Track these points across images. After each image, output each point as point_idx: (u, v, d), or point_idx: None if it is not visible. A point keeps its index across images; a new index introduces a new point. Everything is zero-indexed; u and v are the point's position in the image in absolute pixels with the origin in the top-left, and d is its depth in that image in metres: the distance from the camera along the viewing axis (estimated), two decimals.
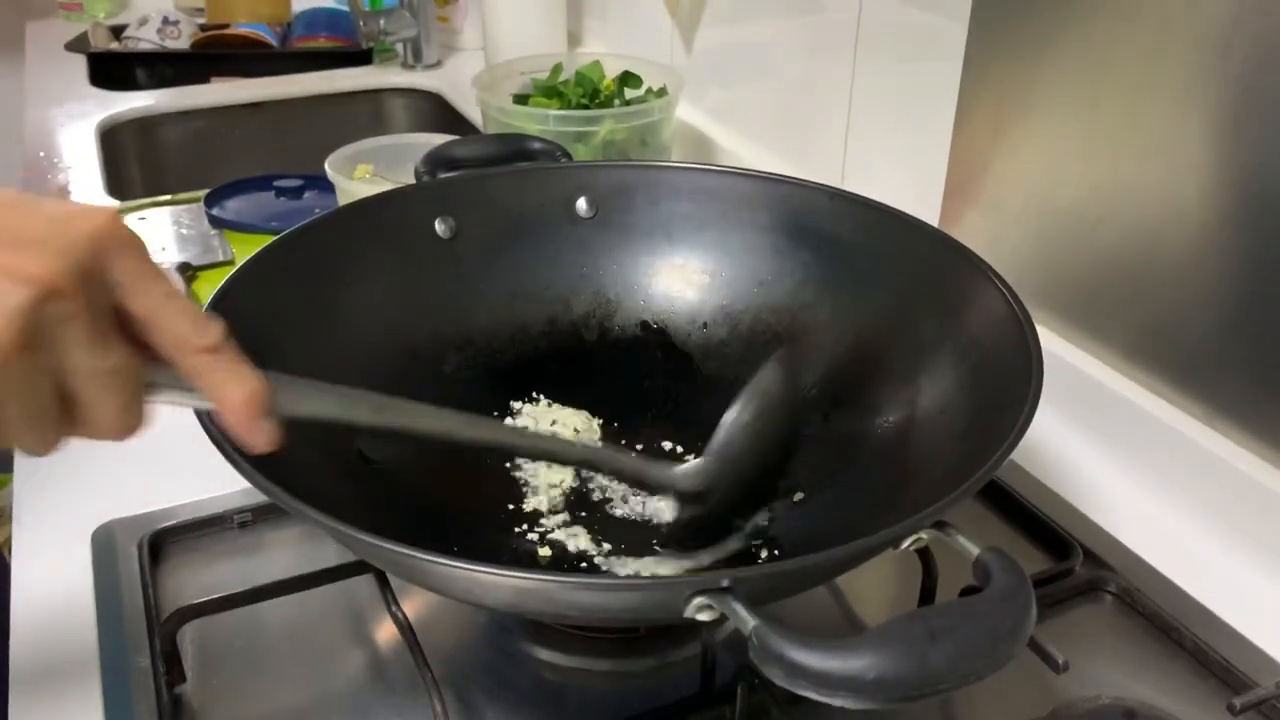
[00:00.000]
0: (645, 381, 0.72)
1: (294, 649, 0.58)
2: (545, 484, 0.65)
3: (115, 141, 1.38)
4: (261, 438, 0.43)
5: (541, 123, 1.02)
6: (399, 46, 1.56)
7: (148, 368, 0.41)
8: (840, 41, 0.95)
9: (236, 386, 0.42)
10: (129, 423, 0.40)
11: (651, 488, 0.60)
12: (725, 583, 0.41)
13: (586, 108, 1.08)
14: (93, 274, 0.37)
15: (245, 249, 0.93)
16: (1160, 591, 0.60)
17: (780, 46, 1.07)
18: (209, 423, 0.47)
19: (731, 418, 0.59)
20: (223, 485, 0.66)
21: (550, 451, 0.58)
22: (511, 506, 0.64)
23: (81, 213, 0.38)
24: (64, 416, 0.39)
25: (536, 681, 0.56)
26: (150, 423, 0.41)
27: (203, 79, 1.58)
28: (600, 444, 0.65)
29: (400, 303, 0.69)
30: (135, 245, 0.39)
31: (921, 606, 0.57)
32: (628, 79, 1.12)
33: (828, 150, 1.00)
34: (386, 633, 0.58)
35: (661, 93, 1.10)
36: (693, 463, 0.60)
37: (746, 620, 0.39)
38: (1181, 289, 0.67)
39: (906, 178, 0.91)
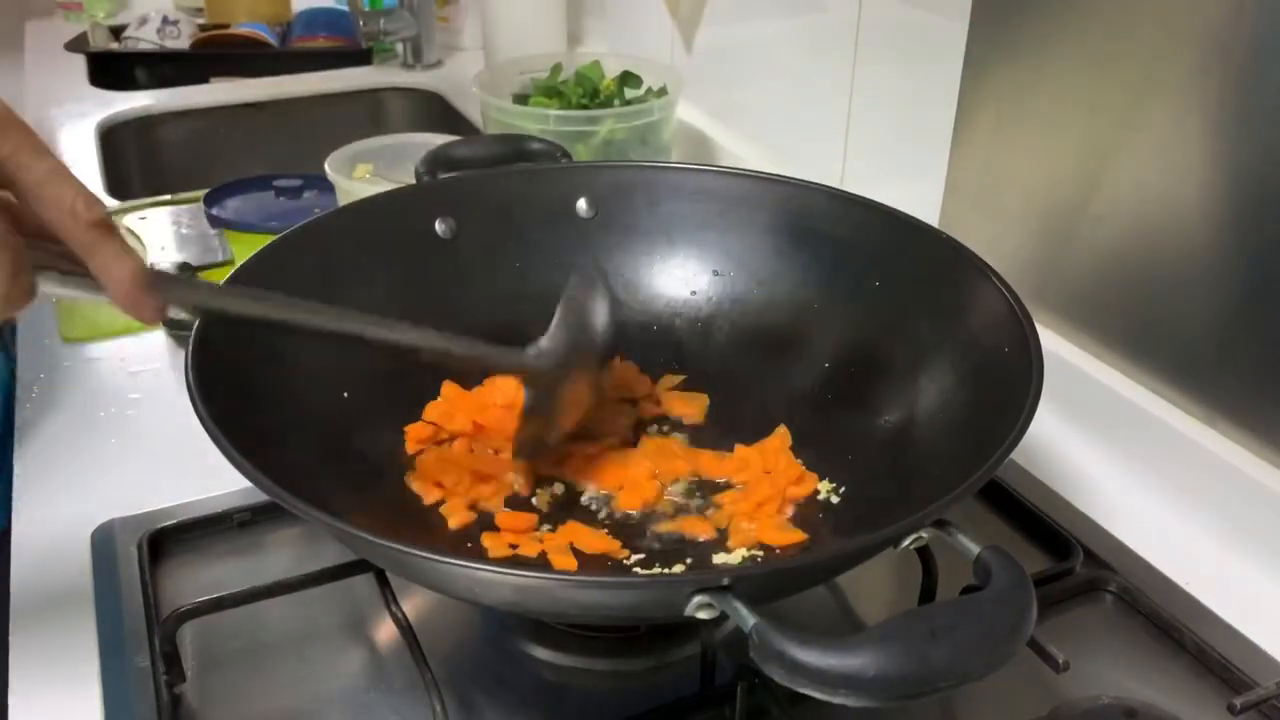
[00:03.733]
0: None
1: (294, 649, 0.58)
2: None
3: (115, 141, 1.38)
4: (149, 311, 0.45)
5: (541, 123, 1.02)
6: (399, 46, 1.56)
7: (33, 249, 0.42)
8: (840, 41, 0.95)
9: (122, 264, 0.43)
10: (13, 294, 0.41)
11: (506, 370, 0.62)
12: (725, 581, 0.41)
13: (586, 108, 1.08)
14: None
15: (245, 249, 0.93)
16: (1160, 591, 0.60)
17: (780, 46, 1.07)
18: (209, 423, 0.47)
19: (558, 319, 0.62)
20: (223, 485, 0.66)
21: (398, 341, 0.56)
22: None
23: None
24: None
25: (536, 681, 0.56)
26: (37, 298, 0.43)
27: (202, 79, 1.58)
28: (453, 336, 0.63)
29: (400, 303, 0.68)
30: (19, 124, 0.40)
31: (922, 605, 0.57)
32: (628, 79, 1.12)
33: (828, 150, 1.00)
34: (386, 633, 0.58)
35: (661, 92, 1.10)
36: (540, 343, 0.61)
37: (747, 619, 0.39)
38: (1182, 288, 0.67)
39: (906, 177, 0.91)
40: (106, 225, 0.43)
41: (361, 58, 1.60)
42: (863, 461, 0.63)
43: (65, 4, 1.83)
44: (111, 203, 1.13)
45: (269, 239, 0.64)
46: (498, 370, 0.64)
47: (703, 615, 0.41)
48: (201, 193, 1.10)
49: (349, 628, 0.59)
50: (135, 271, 0.44)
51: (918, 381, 0.62)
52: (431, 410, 0.67)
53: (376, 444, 0.64)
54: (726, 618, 0.41)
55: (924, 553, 0.58)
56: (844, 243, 0.69)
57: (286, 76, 1.54)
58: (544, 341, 0.62)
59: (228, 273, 0.61)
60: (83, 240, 0.42)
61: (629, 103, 1.10)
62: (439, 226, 0.71)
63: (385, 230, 0.70)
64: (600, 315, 0.65)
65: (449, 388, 0.68)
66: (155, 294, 0.45)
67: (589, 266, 0.67)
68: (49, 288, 0.44)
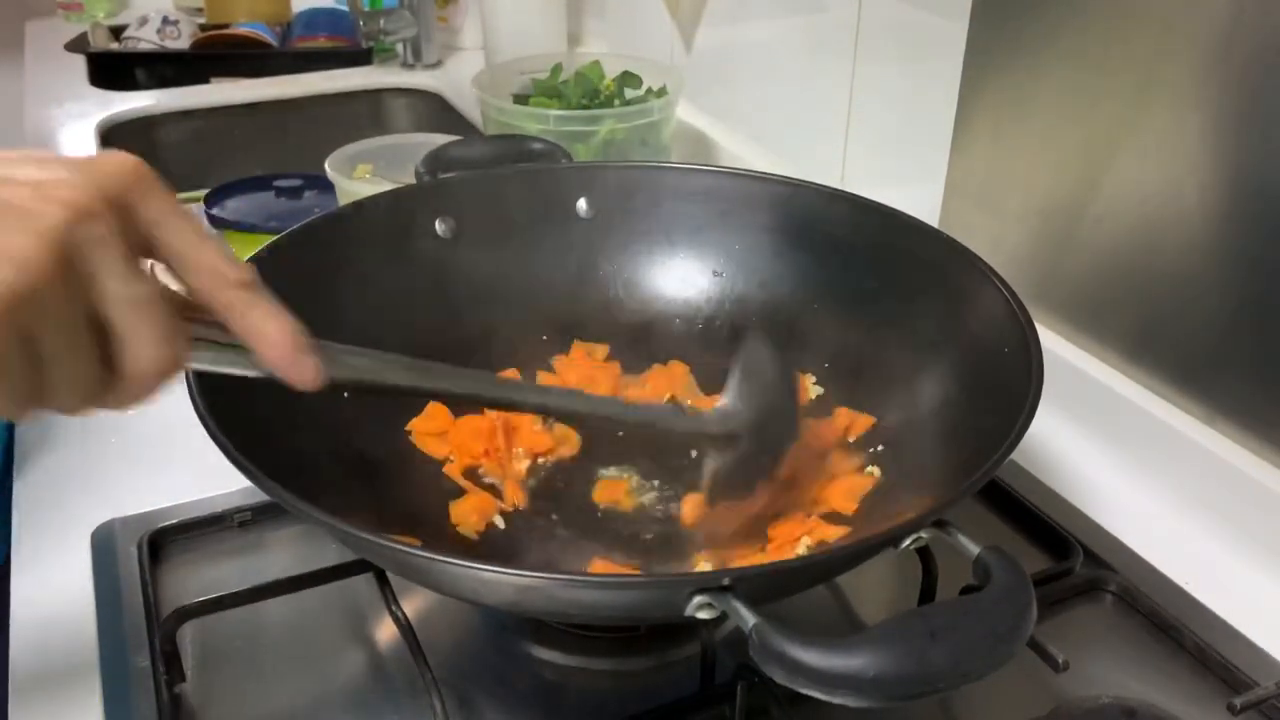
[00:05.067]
0: (646, 384, 0.72)
1: (294, 649, 0.58)
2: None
3: (115, 142, 1.37)
4: (309, 372, 0.42)
5: (542, 123, 1.02)
6: (399, 46, 1.56)
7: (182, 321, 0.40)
8: (840, 41, 0.95)
9: (275, 322, 0.41)
10: (166, 358, 0.39)
11: (679, 437, 0.60)
12: (726, 581, 0.41)
13: (586, 108, 1.08)
14: (123, 205, 0.37)
15: (245, 249, 0.93)
16: (1160, 591, 0.60)
17: (780, 46, 1.07)
18: (209, 422, 0.47)
19: (735, 380, 0.60)
20: (223, 485, 0.66)
21: (570, 410, 0.57)
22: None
23: (108, 154, 0.38)
24: (101, 354, 0.38)
25: (536, 681, 0.56)
26: (181, 371, 0.40)
27: (202, 79, 1.58)
28: (625, 400, 0.65)
29: (400, 303, 0.69)
30: (162, 186, 0.39)
31: (922, 605, 0.57)
32: (628, 79, 1.12)
33: (828, 150, 1.00)
34: (386, 633, 0.58)
35: (661, 93, 1.10)
36: (721, 405, 0.60)
37: (747, 619, 0.39)
38: (1181, 289, 0.67)
39: (906, 178, 0.91)
40: (255, 286, 0.40)
41: (361, 58, 1.60)
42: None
43: (65, 4, 1.83)
44: None
45: (269, 239, 0.64)
46: (675, 433, 0.60)
47: (703, 615, 0.41)
48: (201, 193, 1.10)
49: (349, 628, 0.59)
50: (291, 330, 0.41)
51: (918, 381, 0.62)
52: (418, 424, 0.66)
53: (377, 444, 0.63)
54: (727, 617, 0.41)
55: (924, 553, 0.57)
56: (844, 243, 0.69)
57: (286, 76, 1.54)
58: (726, 401, 0.60)
59: None
60: (230, 300, 0.40)
61: (629, 103, 1.10)
62: (439, 226, 0.71)
63: (385, 230, 0.70)
64: (779, 377, 0.61)
65: (435, 409, 0.66)
66: (315, 355, 0.42)
67: (759, 338, 0.63)
68: (200, 361, 0.41)
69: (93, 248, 0.36)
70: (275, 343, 0.41)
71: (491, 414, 0.67)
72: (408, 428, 0.66)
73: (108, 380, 0.38)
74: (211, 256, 0.39)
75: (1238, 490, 0.64)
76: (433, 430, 0.65)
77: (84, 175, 0.36)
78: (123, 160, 0.38)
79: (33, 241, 0.34)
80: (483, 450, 0.65)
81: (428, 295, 0.70)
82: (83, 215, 0.35)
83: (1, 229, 0.34)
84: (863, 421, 0.65)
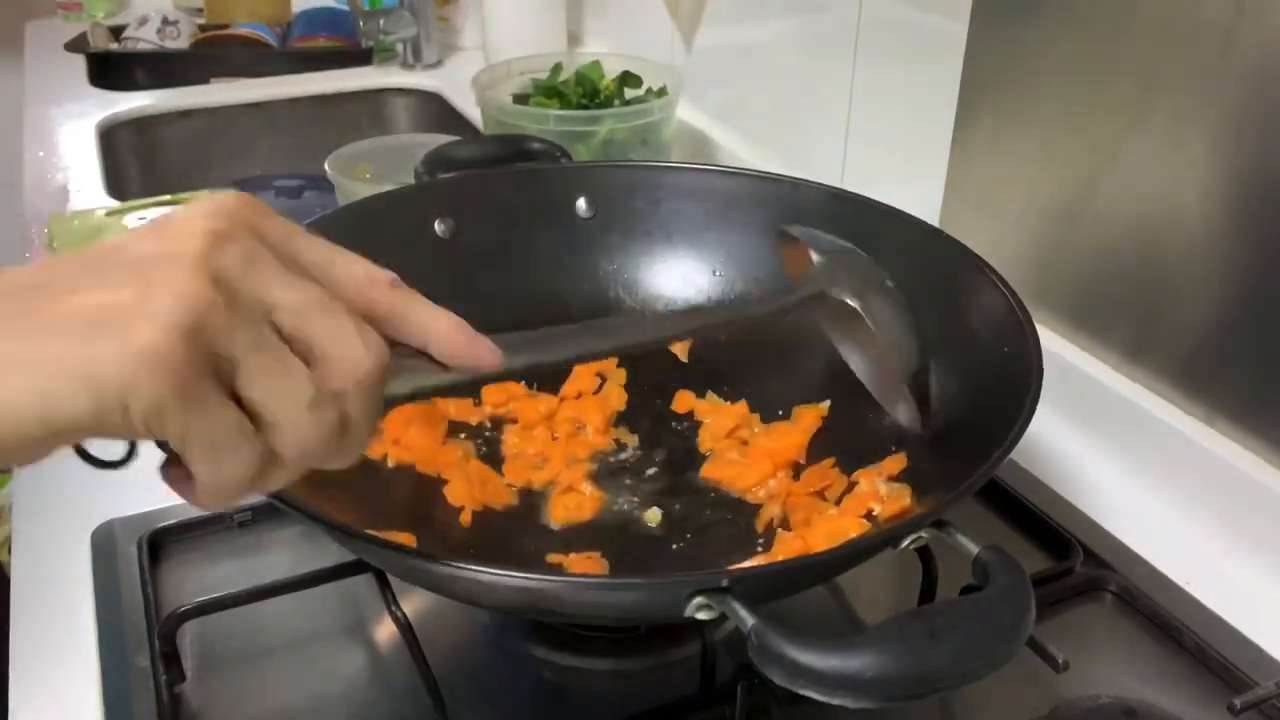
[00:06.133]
0: (645, 384, 0.72)
1: (294, 649, 0.58)
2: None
3: (115, 141, 1.38)
4: (488, 354, 0.40)
5: (541, 123, 1.02)
6: (399, 46, 1.56)
7: None
8: (840, 41, 0.95)
9: (441, 315, 0.39)
10: (375, 354, 0.35)
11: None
12: (725, 582, 0.41)
13: (586, 108, 1.08)
14: (252, 225, 0.35)
15: None
16: (1160, 591, 0.60)
17: (780, 46, 1.07)
18: None
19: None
20: None
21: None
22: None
23: (211, 194, 0.37)
24: (304, 362, 0.35)
25: (536, 681, 0.56)
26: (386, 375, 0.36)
27: (202, 79, 1.58)
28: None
29: None
30: (272, 211, 0.37)
31: (921, 605, 0.57)
32: (628, 79, 1.12)
33: (828, 150, 1.00)
34: (386, 633, 0.58)
35: (661, 93, 1.10)
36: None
37: (746, 619, 0.39)
38: (1181, 289, 0.67)
39: (906, 177, 0.91)
40: (404, 286, 0.39)
41: (361, 58, 1.60)
42: (862, 462, 0.63)
43: (65, 4, 1.83)
44: (111, 203, 1.13)
45: None
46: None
47: (702, 616, 0.41)
48: (201, 193, 1.10)
49: (349, 628, 0.59)
50: (458, 319, 0.39)
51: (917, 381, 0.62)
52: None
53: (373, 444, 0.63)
54: (726, 618, 0.41)
55: (924, 553, 0.57)
56: None
57: (286, 76, 1.54)
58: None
59: None
60: (390, 302, 0.38)
61: (629, 103, 1.10)
62: (439, 226, 0.71)
63: (385, 230, 0.70)
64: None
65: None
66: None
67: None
68: (392, 385, 0.37)
69: (243, 265, 0.34)
70: (451, 334, 0.39)
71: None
72: None
73: (320, 382, 0.35)
74: (356, 263, 0.37)
75: (1238, 490, 0.64)
76: None
77: (202, 211, 0.35)
78: (230, 194, 0.36)
79: (181, 274, 0.32)
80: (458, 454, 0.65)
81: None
82: (218, 238, 0.34)
83: (146, 276, 0.32)
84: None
